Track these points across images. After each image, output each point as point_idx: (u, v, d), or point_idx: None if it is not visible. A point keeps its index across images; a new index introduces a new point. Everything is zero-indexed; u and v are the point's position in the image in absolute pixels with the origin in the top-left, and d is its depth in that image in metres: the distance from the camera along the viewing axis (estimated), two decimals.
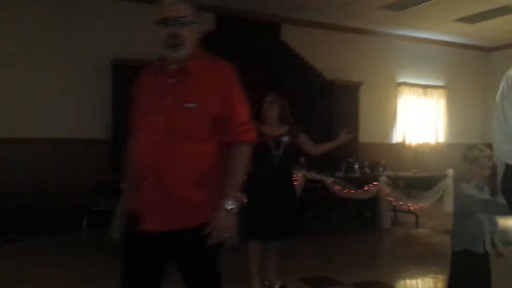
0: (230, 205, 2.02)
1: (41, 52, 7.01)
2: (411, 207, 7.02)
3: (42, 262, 5.03)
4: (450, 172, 7.00)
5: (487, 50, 11.25)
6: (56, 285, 4.23)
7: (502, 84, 2.60)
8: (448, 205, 6.86)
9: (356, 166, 7.10)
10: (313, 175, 6.37)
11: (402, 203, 7.01)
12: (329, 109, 8.77)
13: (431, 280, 4.59)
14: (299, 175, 6.12)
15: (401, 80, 10.17)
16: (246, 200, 4.20)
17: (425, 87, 10.44)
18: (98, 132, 7.19)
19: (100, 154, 7.11)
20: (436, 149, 10.50)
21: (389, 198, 6.87)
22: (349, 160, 7.17)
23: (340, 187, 6.41)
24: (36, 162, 6.87)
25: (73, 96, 7.16)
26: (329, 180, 6.41)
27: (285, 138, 4.04)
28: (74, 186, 6.68)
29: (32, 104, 6.93)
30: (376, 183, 6.80)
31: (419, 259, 5.36)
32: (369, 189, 6.77)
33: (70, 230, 6.17)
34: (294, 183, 5.28)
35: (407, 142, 10.14)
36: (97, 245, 5.57)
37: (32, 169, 6.82)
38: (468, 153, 2.95)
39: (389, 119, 10.06)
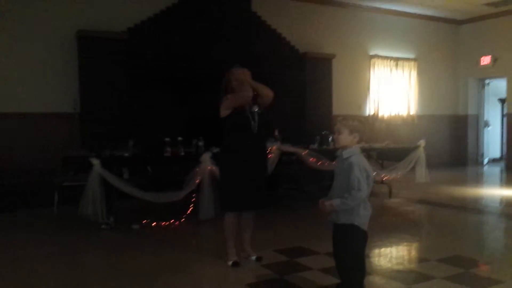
0: None
1: (3, 25, 6.68)
2: (384, 178, 7.08)
3: (15, 238, 4.93)
4: (422, 143, 7.06)
5: (457, 22, 11.34)
6: (30, 261, 4.14)
7: None
8: (420, 175, 6.96)
9: (330, 138, 7.09)
10: (288, 148, 6.33)
11: (375, 174, 7.05)
12: (302, 82, 8.71)
13: (405, 248, 4.66)
14: (273, 147, 6.07)
15: (373, 52, 10.17)
16: (221, 172, 4.15)
17: (396, 59, 10.48)
18: (66, 106, 6.96)
19: (68, 128, 6.91)
20: (407, 121, 10.62)
21: None
22: (323, 132, 7.16)
23: (314, 159, 6.39)
24: (2, 138, 6.63)
25: (39, 70, 6.89)
26: (303, 152, 6.38)
27: (256, 108, 3.97)
28: (43, 161, 6.50)
29: None
30: None
31: (392, 228, 5.45)
32: None
33: (41, 206, 6.05)
34: (268, 155, 5.27)
35: (380, 114, 10.21)
36: (69, 220, 5.47)
37: None
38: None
39: (362, 91, 10.09)
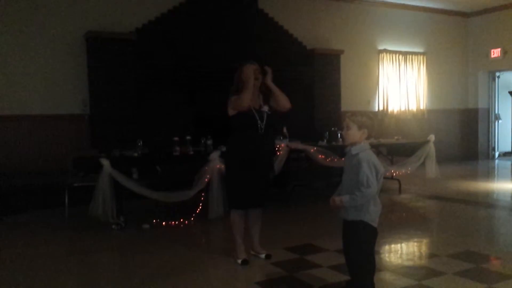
0: None
1: (12, 27, 6.74)
2: (394, 174, 7.05)
3: (26, 239, 4.96)
4: (432, 137, 7.02)
5: (466, 15, 11.22)
6: (40, 262, 4.17)
7: None
8: (430, 171, 6.92)
9: (339, 135, 7.07)
10: (296, 145, 6.32)
11: (384, 169, 7.02)
12: (310, 79, 8.69)
13: (415, 244, 4.63)
14: (282, 145, 6.07)
15: (381, 47, 10.11)
16: (226, 170, 4.16)
17: (405, 53, 10.41)
18: (75, 107, 7.01)
19: (78, 129, 6.96)
20: (417, 116, 10.55)
21: None
22: (332, 129, 7.14)
23: (323, 156, 6.37)
24: (13, 140, 6.70)
25: (48, 71, 6.94)
26: (312, 149, 6.37)
27: (266, 109, 3.97)
28: (53, 163, 6.55)
29: (5, 81, 6.70)
30: None
31: (402, 224, 5.43)
32: None
33: (51, 207, 6.08)
34: (277, 153, 5.27)
35: (389, 109, 10.15)
36: (79, 221, 5.50)
37: (10, 146, 6.65)
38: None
39: (371, 86, 10.03)
